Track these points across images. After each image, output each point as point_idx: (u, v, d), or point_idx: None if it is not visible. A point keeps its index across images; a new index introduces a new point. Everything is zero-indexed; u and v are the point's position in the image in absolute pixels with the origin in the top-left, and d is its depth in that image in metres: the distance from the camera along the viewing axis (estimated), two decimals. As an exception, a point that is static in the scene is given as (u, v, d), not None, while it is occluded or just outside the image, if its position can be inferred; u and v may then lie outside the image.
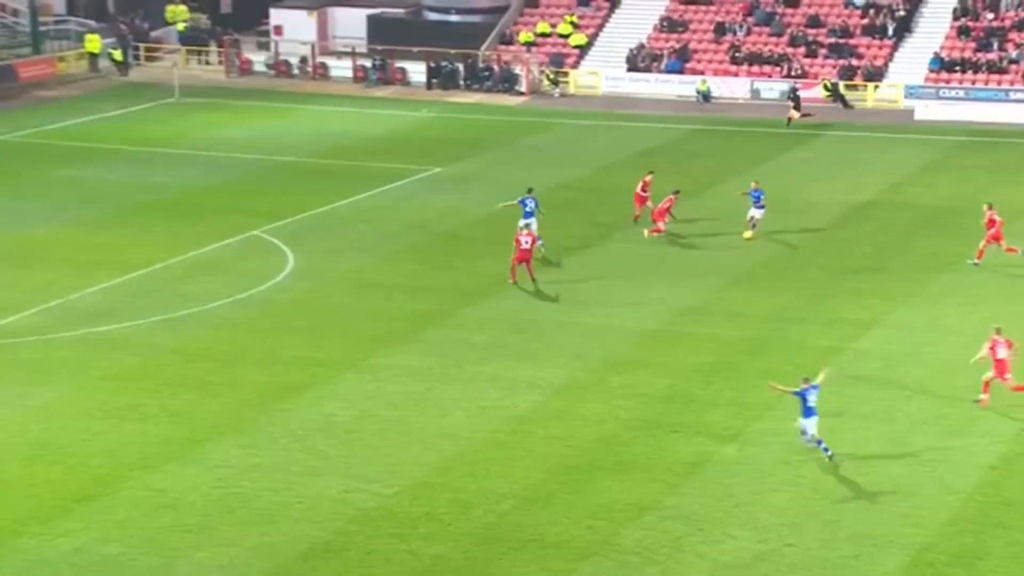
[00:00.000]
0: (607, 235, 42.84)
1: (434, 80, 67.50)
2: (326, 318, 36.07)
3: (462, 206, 46.26)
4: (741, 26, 67.99)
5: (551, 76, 66.38)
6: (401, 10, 72.75)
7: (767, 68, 65.41)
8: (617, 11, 70.39)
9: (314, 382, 32.00)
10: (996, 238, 39.16)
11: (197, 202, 46.92)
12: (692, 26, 68.76)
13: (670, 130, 58.46)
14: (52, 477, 27.22)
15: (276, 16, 72.92)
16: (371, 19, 71.19)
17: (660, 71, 66.28)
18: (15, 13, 70.98)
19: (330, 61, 70.02)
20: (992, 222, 39.21)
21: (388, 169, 51.29)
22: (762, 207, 42.20)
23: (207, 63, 72.21)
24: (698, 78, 64.88)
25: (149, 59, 71.47)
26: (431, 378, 32.25)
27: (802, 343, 34.18)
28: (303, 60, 70.05)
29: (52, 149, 54.47)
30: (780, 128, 58.04)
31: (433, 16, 71.81)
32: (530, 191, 41.41)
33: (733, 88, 64.46)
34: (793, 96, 59.56)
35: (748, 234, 42.16)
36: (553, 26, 69.69)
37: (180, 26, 73.83)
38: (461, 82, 67.45)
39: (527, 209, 40.58)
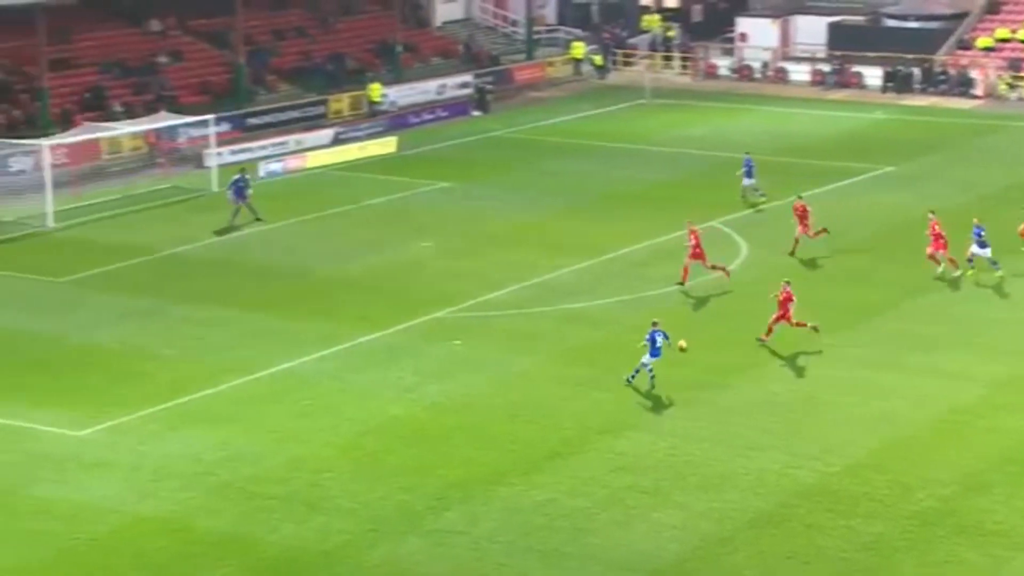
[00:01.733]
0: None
1: (889, 83, 65.35)
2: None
3: (911, 203, 44.56)
4: None
5: (1008, 80, 62.86)
6: (860, 18, 71.12)
7: None
8: (1083, 15, 65.81)
9: (759, 362, 31.77)
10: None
11: (660, 194, 47.47)
12: None
13: None
14: (528, 435, 28.31)
15: (742, 24, 72.79)
16: (832, 26, 69.83)
17: None
18: (514, 24, 74.27)
19: (789, 65, 69.22)
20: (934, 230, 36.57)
21: (841, 167, 50.11)
22: (985, 244, 36.46)
23: (679, 68, 72.86)
24: None
25: (625, 64, 72.94)
26: (873, 365, 31.33)
27: None
28: (764, 64, 69.63)
29: (539, 144, 56.53)
30: None
31: (892, 23, 69.73)
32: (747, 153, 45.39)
33: None
34: None
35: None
36: (1013, 31, 65.90)
37: (671, 32, 74.87)
38: (916, 85, 64.99)
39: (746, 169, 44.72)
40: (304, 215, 45.26)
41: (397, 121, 60.04)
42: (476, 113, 62.91)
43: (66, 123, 51.54)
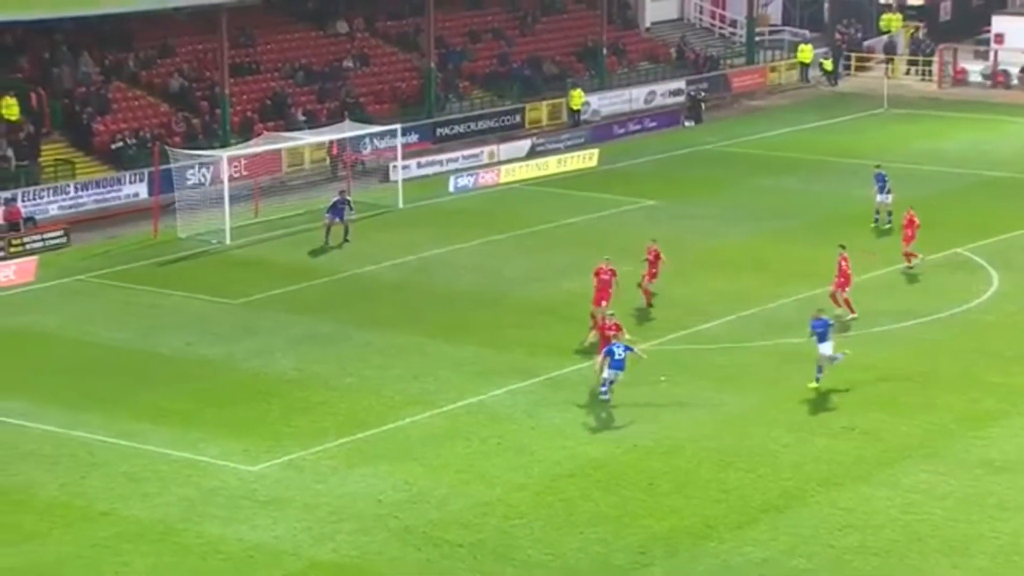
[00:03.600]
0: None
1: None
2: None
3: None
4: None
5: None
6: None
7: None
8: None
9: (1015, 411, 30.86)
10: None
11: (895, 217, 46.50)
12: None
13: None
14: (742, 484, 28.02)
15: (998, 24, 70.94)
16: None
17: None
18: (733, 24, 73.84)
19: (1052, 70, 67.35)
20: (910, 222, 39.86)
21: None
22: None
23: (922, 73, 71.43)
24: None
25: (860, 69, 71.81)
26: None
27: None
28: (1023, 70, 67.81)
29: (759, 159, 56.08)
30: None
31: None
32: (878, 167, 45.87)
33: None
34: None
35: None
36: None
37: (915, 32, 73.37)
38: None
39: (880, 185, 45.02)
40: (496, 234, 45.80)
41: (600, 132, 60.32)
42: (688, 123, 62.78)
43: (245, 132, 53.26)
